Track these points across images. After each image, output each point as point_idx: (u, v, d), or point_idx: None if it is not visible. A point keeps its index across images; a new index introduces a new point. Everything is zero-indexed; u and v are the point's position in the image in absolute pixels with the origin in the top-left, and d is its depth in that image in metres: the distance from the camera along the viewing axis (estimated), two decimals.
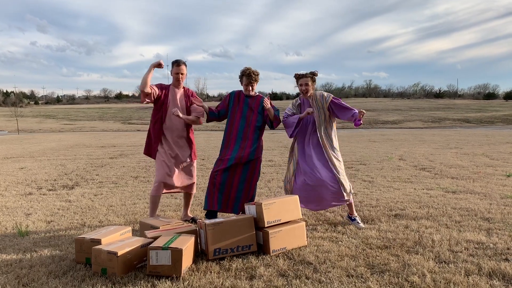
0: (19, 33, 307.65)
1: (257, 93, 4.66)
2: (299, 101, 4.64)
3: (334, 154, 4.45)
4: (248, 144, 4.46)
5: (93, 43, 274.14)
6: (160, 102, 4.55)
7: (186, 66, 4.62)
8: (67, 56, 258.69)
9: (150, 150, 4.71)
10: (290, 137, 4.53)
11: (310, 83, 4.48)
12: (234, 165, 4.40)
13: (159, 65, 4.43)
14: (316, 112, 4.47)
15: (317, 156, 4.41)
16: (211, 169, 4.55)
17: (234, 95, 4.63)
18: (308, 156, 4.44)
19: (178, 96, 4.64)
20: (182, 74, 4.58)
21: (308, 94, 4.52)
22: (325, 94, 4.51)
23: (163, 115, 4.57)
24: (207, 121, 4.75)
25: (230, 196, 4.42)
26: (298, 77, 4.53)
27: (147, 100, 4.48)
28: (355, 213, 4.55)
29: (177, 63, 4.56)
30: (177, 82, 4.61)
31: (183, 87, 4.72)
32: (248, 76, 4.48)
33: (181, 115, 4.45)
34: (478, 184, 6.70)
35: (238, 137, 4.49)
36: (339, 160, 4.47)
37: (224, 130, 4.62)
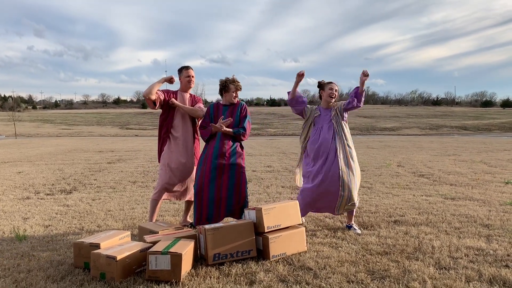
0: (16, 37, 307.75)
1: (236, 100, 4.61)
2: (319, 112, 4.59)
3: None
4: (227, 145, 4.37)
5: (91, 48, 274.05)
6: (167, 106, 4.57)
7: (192, 69, 4.71)
8: (64, 61, 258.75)
9: (159, 151, 4.69)
10: None
11: (337, 90, 4.58)
12: (219, 174, 4.29)
13: (170, 80, 4.52)
14: (336, 123, 4.48)
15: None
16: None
17: (213, 106, 4.60)
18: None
19: (186, 100, 4.68)
20: (193, 76, 4.68)
21: (332, 102, 4.57)
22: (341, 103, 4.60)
23: (170, 119, 4.58)
24: (205, 140, 4.63)
25: (221, 210, 4.35)
26: (326, 83, 4.60)
27: (155, 106, 4.49)
28: (352, 221, 4.56)
29: (186, 68, 4.66)
30: (188, 84, 4.68)
31: (189, 93, 4.78)
32: (235, 83, 4.48)
33: (175, 102, 4.51)
34: (477, 191, 6.71)
35: (217, 140, 4.40)
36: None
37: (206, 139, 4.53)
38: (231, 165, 4.34)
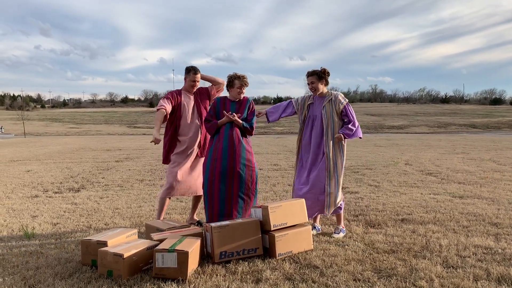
0: (22, 36, 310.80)
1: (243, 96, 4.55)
2: (312, 101, 4.40)
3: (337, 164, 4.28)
4: (237, 148, 4.27)
5: (97, 47, 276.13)
6: (174, 109, 4.58)
7: (200, 73, 4.69)
8: (71, 60, 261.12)
9: (164, 156, 4.68)
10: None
11: (316, 81, 4.28)
12: (229, 174, 4.22)
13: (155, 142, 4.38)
14: (325, 115, 4.27)
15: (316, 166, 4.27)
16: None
17: (220, 100, 4.51)
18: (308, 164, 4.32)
19: (192, 100, 4.69)
20: (198, 81, 4.68)
21: (318, 93, 4.32)
22: (342, 97, 4.32)
23: (176, 121, 4.58)
24: (212, 135, 4.61)
25: (232, 208, 4.31)
26: (306, 75, 4.39)
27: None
28: (340, 224, 4.38)
29: (194, 71, 4.62)
30: (191, 88, 4.69)
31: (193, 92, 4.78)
32: (241, 79, 4.36)
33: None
34: (485, 189, 6.65)
35: (225, 139, 4.29)
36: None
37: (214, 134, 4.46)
38: (241, 164, 4.25)
